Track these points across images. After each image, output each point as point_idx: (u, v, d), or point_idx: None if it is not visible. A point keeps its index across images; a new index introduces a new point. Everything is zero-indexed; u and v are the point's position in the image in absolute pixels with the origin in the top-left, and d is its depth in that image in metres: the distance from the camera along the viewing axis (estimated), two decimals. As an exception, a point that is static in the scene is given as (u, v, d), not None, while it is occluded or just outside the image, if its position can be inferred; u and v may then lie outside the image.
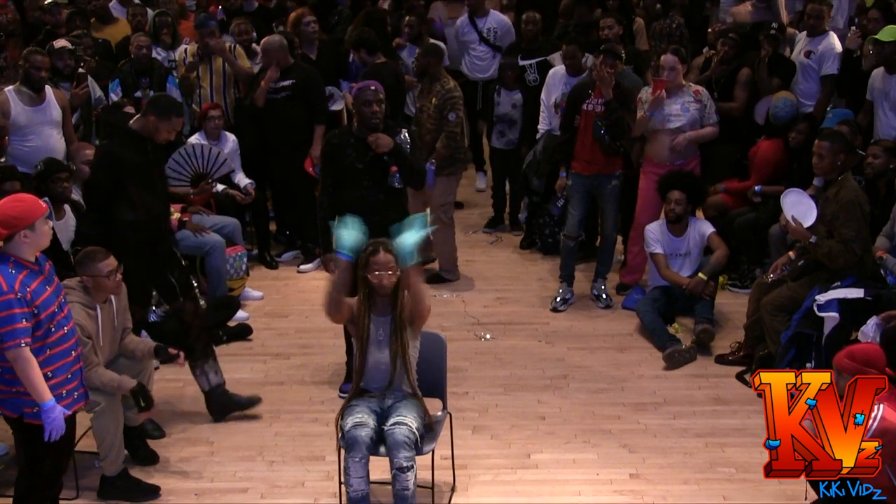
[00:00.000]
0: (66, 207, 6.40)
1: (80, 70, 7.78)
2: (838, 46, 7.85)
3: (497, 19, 9.46)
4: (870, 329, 5.46)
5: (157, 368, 5.98)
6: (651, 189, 7.42)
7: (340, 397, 5.94)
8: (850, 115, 7.32)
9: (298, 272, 8.21)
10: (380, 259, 4.74)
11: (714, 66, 7.98)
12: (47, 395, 4.26)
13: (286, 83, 7.97)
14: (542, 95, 8.12)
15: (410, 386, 4.85)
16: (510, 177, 8.82)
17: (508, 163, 8.67)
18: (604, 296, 7.45)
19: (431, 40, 8.84)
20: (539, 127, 8.16)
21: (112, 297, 5.19)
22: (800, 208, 6.26)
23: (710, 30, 9.67)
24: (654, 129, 7.34)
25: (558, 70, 8.11)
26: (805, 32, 8.08)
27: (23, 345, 4.17)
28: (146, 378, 5.29)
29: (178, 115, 5.68)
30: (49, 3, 9.62)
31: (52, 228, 5.99)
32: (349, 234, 4.74)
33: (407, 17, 9.26)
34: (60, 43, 7.87)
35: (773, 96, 7.67)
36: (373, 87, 5.87)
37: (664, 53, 7.50)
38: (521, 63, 8.64)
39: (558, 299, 7.46)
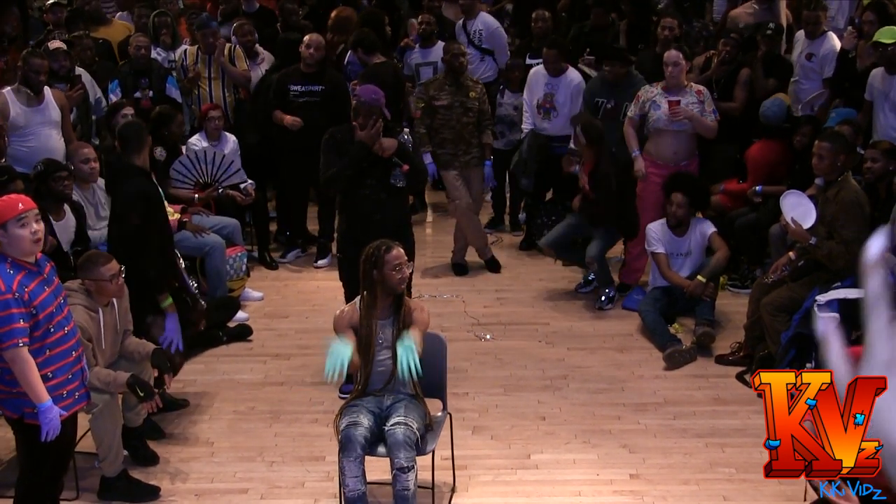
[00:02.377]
0: (67, 208, 6.40)
1: (75, 73, 7.81)
2: (838, 47, 7.86)
3: (485, 21, 9.26)
4: None
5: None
6: (652, 189, 7.44)
7: (340, 398, 5.94)
8: (853, 114, 7.32)
9: (315, 267, 8.23)
10: (395, 255, 4.76)
11: (715, 67, 7.99)
12: (45, 396, 4.25)
13: (316, 89, 7.97)
14: (525, 95, 8.20)
15: (413, 388, 4.86)
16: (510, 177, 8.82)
17: (508, 163, 8.67)
18: (603, 297, 7.46)
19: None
20: (523, 127, 8.26)
21: (114, 300, 5.19)
22: (799, 210, 6.26)
23: (708, 21, 9.68)
24: (656, 129, 7.37)
25: (538, 70, 8.17)
26: (803, 33, 8.08)
27: (20, 345, 4.16)
28: (147, 378, 5.28)
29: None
30: (51, 3, 9.63)
31: (53, 229, 6.11)
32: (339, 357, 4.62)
33: (421, 17, 9.25)
34: (55, 44, 7.88)
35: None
36: (363, 100, 5.86)
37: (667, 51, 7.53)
38: (529, 62, 8.64)
39: (582, 282, 7.75)
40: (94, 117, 8.15)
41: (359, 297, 4.89)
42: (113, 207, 5.58)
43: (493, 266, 8.14)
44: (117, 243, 5.59)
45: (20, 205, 4.20)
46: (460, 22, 9.43)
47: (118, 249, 5.50)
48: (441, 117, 7.82)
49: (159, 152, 7.54)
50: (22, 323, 4.16)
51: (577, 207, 7.47)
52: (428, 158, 7.76)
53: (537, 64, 8.50)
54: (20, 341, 4.16)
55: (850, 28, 8.08)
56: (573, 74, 8.20)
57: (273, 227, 8.73)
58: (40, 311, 4.23)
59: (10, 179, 5.99)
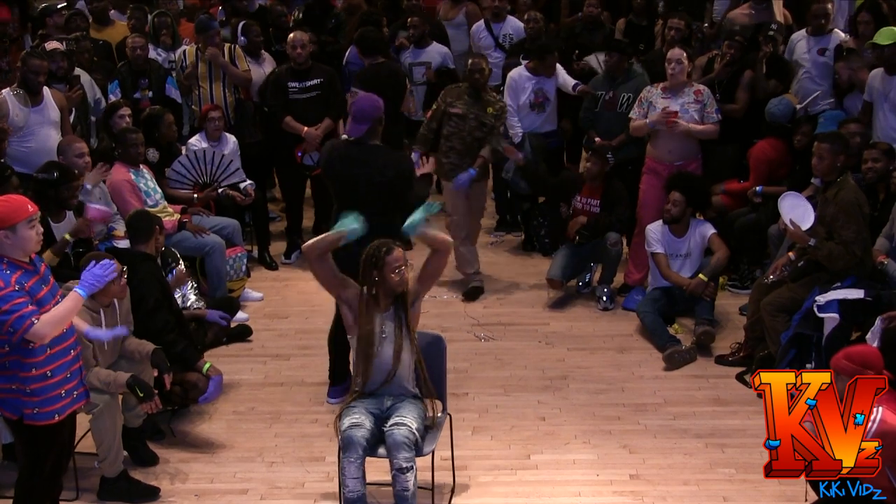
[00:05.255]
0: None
1: (74, 74, 7.81)
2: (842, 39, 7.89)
3: (514, 25, 9.26)
4: (877, 329, 5.46)
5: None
6: (652, 189, 7.46)
7: (329, 403, 5.98)
8: (842, 117, 7.32)
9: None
10: (395, 256, 4.76)
11: (719, 69, 7.96)
12: (82, 325, 4.30)
13: (314, 82, 8.00)
14: (509, 100, 8.13)
15: (425, 384, 4.87)
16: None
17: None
18: (604, 297, 7.46)
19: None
20: (514, 132, 8.16)
21: (115, 300, 5.19)
22: (798, 211, 6.26)
23: (705, 25, 9.66)
24: (653, 128, 7.39)
25: (520, 73, 8.17)
26: (806, 31, 8.08)
27: (35, 321, 4.15)
28: (146, 379, 5.27)
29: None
30: (46, 6, 9.64)
31: (52, 230, 6.11)
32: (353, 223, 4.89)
33: (410, 19, 9.25)
34: (53, 45, 7.87)
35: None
36: (376, 116, 5.83)
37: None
38: (522, 62, 8.65)
39: (581, 283, 7.74)
40: (92, 118, 8.14)
41: (360, 292, 4.88)
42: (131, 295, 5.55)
43: (471, 295, 7.64)
44: (141, 326, 5.55)
45: (29, 206, 4.26)
46: (478, 24, 9.42)
47: (142, 331, 5.50)
48: (453, 125, 7.51)
49: (151, 154, 7.54)
50: (30, 306, 4.15)
51: (574, 234, 7.53)
52: (415, 156, 7.42)
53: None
54: (33, 319, 4.15)
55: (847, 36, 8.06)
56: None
57: (272, 227, 8.73)
58: (39, 307, 4.23)
59: (10, 175, 6.05)
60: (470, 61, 7.70)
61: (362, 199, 5.61)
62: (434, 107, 7.70)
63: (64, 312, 4.26)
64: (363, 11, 9.62)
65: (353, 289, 4.92)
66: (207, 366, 5.55)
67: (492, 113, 7.52)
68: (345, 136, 6.14)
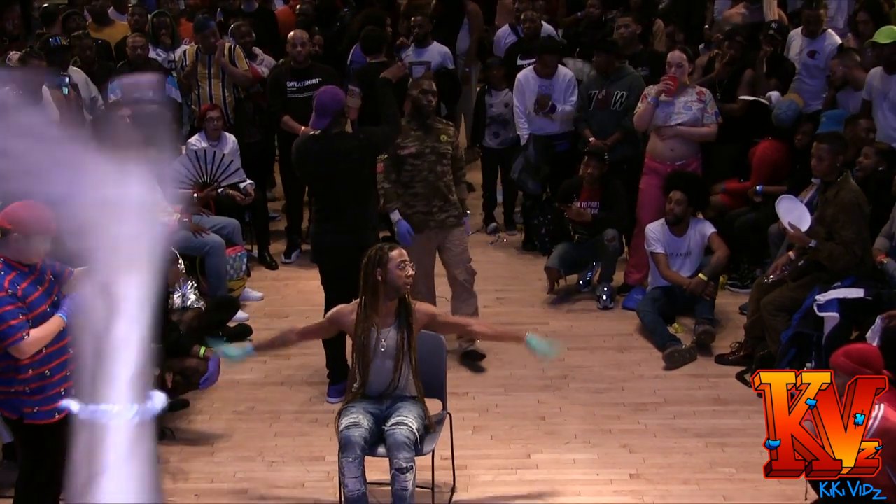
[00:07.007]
0: None
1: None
2: (838, 43, 7.89)
3: (545, 28, 9.19)
4: (878, 329, 5.47)
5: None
6: (652, 188, 7.45)
7: (328, 402, 5.98)
8: (843, 116, 7.33)
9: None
10: (398, 252, 4.75)
11: (720, 68, 7.97)
12: (57, 321, 4.30)
13: (312, 82, 8.00)
14: (515, 101, 8.19)
15: (417, 390, 4.86)
16: (505, 176, 8.79)
17: (504, 162, 8.66)
18: (604, 297, 7.46)
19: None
20: (521, 133, 8.20)
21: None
22: (794, 214, 6.27)
23: (706, 26, 9.67)
24: (656, 126, 7.38)
25: (527, 74, 8.19)
26: (801, 30, 8.09)
27: (25, 337, 4.20)
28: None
29: None
30: (47, 5, 9.63)
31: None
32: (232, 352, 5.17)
33: (413, 18, 9.24)
34: (15, 55, 7.86)
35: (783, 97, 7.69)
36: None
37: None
38: (520, 63, 8.65)
39: (582, 282, 7.73)
40: (90, 117, 8.13)
41: (359, 300, 4.86)
42: None
43: (473, 357, 6.62)
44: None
45: (51, 224, 4.23)
46: (504, 28, 9.41)
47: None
48: (409, 168, 6.41)
49: None
50: (21, 317, 4.18)
51: (574, 232, 7.60)
52: (396, 216, 6.42)
53: (528, 64, 8.49)
54: (24, 334, 4.18)
55: (849, 35, 8.08)
56: (563, 70, 8.26)
57: (272, 226, 8.73)
58: (32, 310, 4.25)
59: None
60: (418, 82, 6.66)
61: (335, 190, 5.82)
62: (382, 156, 6.34)
63: (48, 334, 4.31)
64: (366, 11, 9.61)
65: (344, 315, 4.90)
66: (203, 349, 5.58)
67: (446, 140, 6.47)
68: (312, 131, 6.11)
